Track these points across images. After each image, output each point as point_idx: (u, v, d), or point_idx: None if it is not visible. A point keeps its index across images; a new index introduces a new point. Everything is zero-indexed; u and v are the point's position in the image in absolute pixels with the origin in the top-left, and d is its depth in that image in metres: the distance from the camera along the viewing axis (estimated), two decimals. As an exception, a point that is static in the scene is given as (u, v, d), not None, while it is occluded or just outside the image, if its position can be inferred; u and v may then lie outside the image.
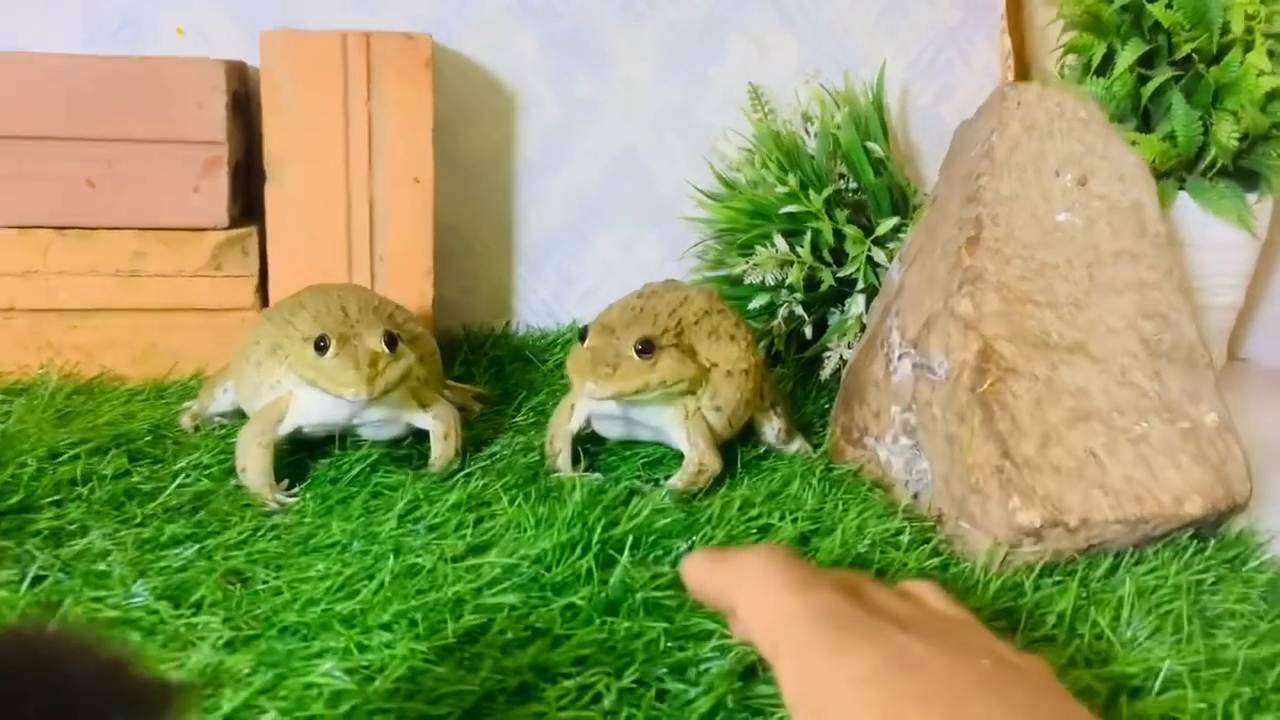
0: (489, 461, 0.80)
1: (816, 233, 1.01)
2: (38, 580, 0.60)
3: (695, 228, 1.13)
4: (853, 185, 1.06)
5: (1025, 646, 0.57)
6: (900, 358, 0.78)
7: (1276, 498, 0.79)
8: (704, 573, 0.51)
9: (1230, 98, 0.94)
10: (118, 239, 0.92)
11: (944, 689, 0.40)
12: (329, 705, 0.49)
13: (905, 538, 0.69)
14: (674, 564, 0.63)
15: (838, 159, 1.06)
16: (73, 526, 0.66)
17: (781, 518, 0.71)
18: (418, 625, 0.56)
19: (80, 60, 0.90)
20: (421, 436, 0.80)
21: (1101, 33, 1.01)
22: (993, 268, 0.72)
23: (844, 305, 1.03)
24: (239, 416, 0.82)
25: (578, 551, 0.64)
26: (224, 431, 0.82)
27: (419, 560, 0.63)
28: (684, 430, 0.76)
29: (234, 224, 0.95)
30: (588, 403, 0.78)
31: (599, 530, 0.65)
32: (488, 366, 1.02)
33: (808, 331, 1.02)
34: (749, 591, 0.48)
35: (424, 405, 0.79)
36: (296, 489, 0.75)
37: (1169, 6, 0.95)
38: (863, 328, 0.97)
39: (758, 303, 1.02)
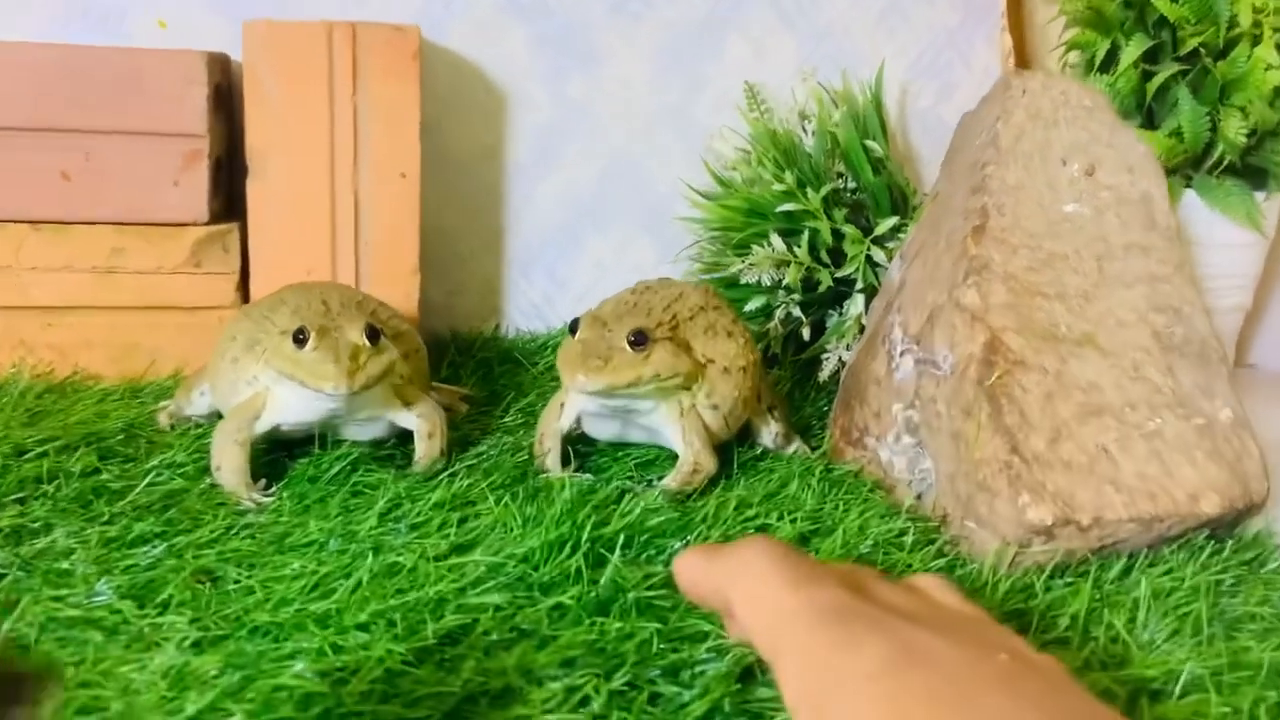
0: (475, 461, 0.77)
1: (814, 232, 0.98)
2: (-5, 579, 0.57)
3: (690, 228, 1.10)
4: (851, 185, 1.04)
5: (1038, 649, 0.54)
6: (902, 354, 0.75)
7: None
8: (697, 571, 0.48)
9: (1238, 93, 0.92)
10: (94, 234, 0.89)
11: (958, 684, 0.37)
12: (299, 708, 0.46)
13: (909, 538, 0.66)
14: (667, 563, 0.60)
15: (836, 158, 1.04)
16: (36, 524, 0.63)
17: (780, 518, 0.68)
18: (396, 625, 0.53)
19: (57, 50, 0.87)
20: (405, 438, 0.77)
21: (1104, 29, 0.99)
22: (999, 258, 0.70)
23: (842, 307, 1.00)
24: (217, 418, 0.79)
25: (566, 550, 0.61)
26: (200, 430, 0.79)
27: (399, 559, 0.60)
28: (679, 428, 0.73)
29: (215, 219, 0.92)
30: (578, 400, 0.75)
31: (589, 529, 0.62)
32: (475, 369, 0.99)
33: (805, 333, 1.00)
34: (745, 588, 0.45)
35: (408, 404, 0.76)
36: (273, 488, 0.71)
37: (1174, 1, 0.93)
38: (862, 329, 0.94)
39: (754, 304, 0.99)
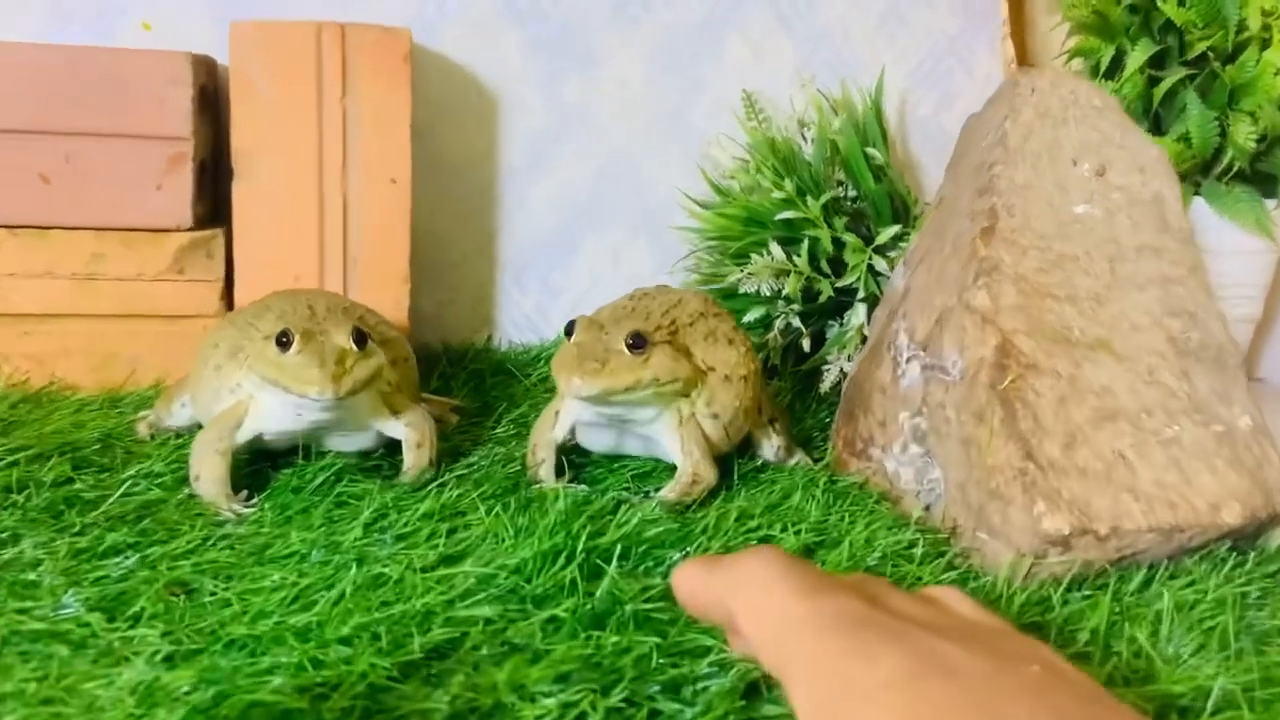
0: (465, 472, 0.74)
1: (814, 241, 0.96)
2: (-44, 591, 0.54)
3: (687, 237, 1.08)
4: (851, 193, 1.02)
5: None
6: (909, 361, 0.73)
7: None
8: (697, 582, 0.45)
9: (1247, 98, 0.90)
10: (74, 239, 0.87)
11: (979, 694, 0.34)
12: (275, 726, 0.43)
13: (919, 550, 0.63)
14: (666, 575, 0.58)
15: (835, 165, 1.02)
16: (2, 535, 0.60)
17: (783, 529, 0.65)
18: (381, 639, 0.50)
19: (37, 49, 0.85)
20: (393, 449, 0.74)
21: (1109, 34, 0.97)
22: (1009, 259, 0.67)
23: (843, 317, 0.98)
24: (199, 430, 0.76)
25: (561, 561, 0.58)
26: (180, 441, 0.76)
27: (385, 570, 0.57)
28: (677, 437, 0.71)
29: (199, 225, 0.89)
30: (573, 409, 0.72)
31: (584, 539, 0.59)
32: (466, 380, 0.97)
33: (805, 344, 0.97)
34: (749, 598, 0.42)
35: (396, 412, 0.73)
36: (254, 499, 0.69)
37: (1181, 4, 0.92)
38: (864, 339, 0.92)
39: (753, 315, 0.96)
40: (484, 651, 0.51)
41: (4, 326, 0.87)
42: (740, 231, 1.00)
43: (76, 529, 0.61)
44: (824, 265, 0.97)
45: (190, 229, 0.88)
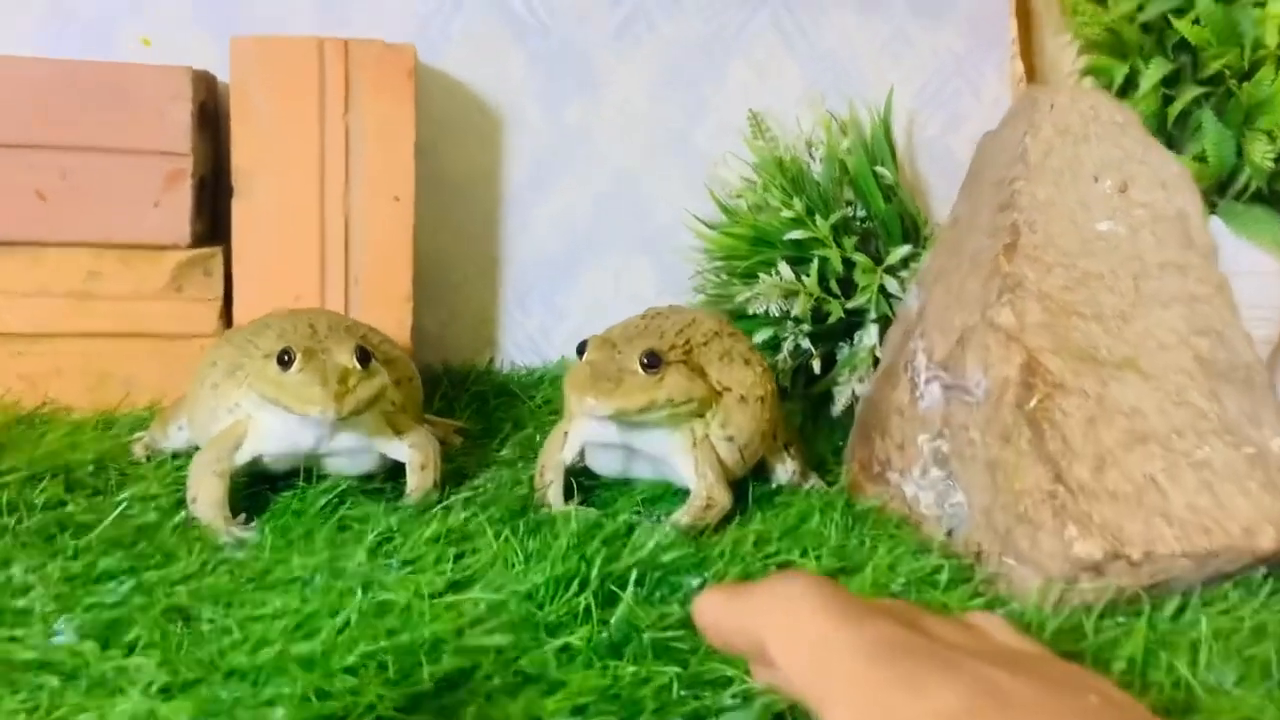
0: (471, 494, 0.72)
1: (824, 261, 0.94)
2: (-58, 618, 0.51)
3: (693, 257, 1.06)
4: (860, 213, 1.00)
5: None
6: (928, 382, 0.71)
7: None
8: (722, 609, 0.43)
9: (1264, 116, 0.89)
10: (70, 257, 0.84)
11: (1041, 728, 0.32)
12: (278, 761, 0.41)
13: (944, 576, 0.61)
14: (684, 602, 0.55)
15: (844, 185, 1.00)
16: (-8, 559, 0.57)
17: (803, 554, 0.63)
18: (388, 669, 0.48)
19: (32, 63, 0.83)
20: (396, 472, 0.72)
21: (1122, 53, 0.96)
22: (1033, 276, 0.66)
23: (853, 338, 0.96)
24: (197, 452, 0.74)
25: (574, 587, 0.56)
26: (177, 462, 0.74)
27: (391, 597, 0.54)
28: (691, 459, 0.68)
29: (197, 242, 0.87)
30: (583, 430, 0.70)
31: (598, 564, 0.57)
32: (469, 402, 0.94)
33: (815, 366, 0.95)
34: (783, 625, 0.39)
35: (399, 433, 0.71)
36: (254, 522, 0.66)
37: (1196, 22, 0.90)
38: (876, 361, 0.90)
39: (761, 336, 0.94)
40: (496, 682, 0.48)
41: (-4, 346, 0.85)
42: (748, 251, 0.98)
43: (69, 553, 0.59)
44: (833, 286, 0.95)
45: (189, 246, 0.86)
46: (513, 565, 0.59)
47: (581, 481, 0.74)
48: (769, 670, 0.41)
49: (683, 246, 1.07)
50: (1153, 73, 0.92)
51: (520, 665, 0.50)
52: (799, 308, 0.93)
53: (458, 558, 0.60)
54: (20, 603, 0.53)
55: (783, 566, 0.61)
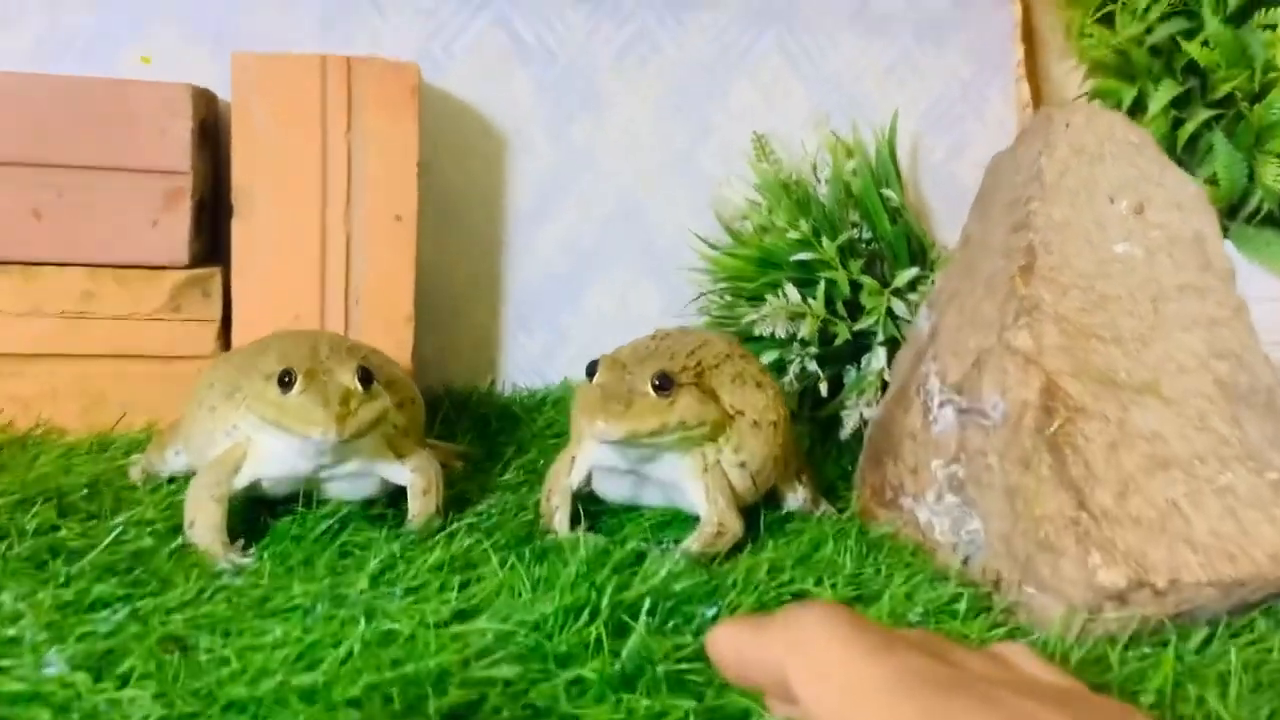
0: (475, 520, 0.70)
1: (831, 283, 0.93)
2: (-70, 647, 0.49)
3: (697, 279, 1.05)
4: (866, 235, 0.99)
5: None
6: (942, 405, 0.69)
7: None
8: (740, 641, 0.41)
9: (1275, 139, 0.88)
10: (65, 276, 0.83)
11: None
12: (280, 799, 0.39)
13: (962, 605, 0.59)
14: (698, 633, 0.54)
15: (850, 207, 0.99)
16: (-19, 586, 0.56)
17: (818, 582, 0.61)
18: (393, 701, 0.46)
19: (29, 79, 0.82)
20: (397, 497, 0.70)
21: (1130, 75, 0.96)
22: (1050, 298, 0.64)
23: (861, 361, 0.95)
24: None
25: (584, 617, 0.54)
26: (174, 486, 0.72)
27: (395, 626, 0.53)
28: (702, 485, 0.67)
29: (195, 262, 0.86)
30: (591, 454, 0.69)
31: (609, 593, 0.55)
32: (471, 425, 0.93)
33: (822, 389, 0.94)
34: (809, 657, 0.38)
35: (401, 457, 0.69)
36: (252, 548, 0.64)
37: (1205, 45, 0.90)
38: (884, 385, 0.88)
39: (767, 358, 0.93)
40: (505, 715, 0.47)
41: (-12, 367, 0.83)
42: (754, 273, 0.97)
43: (61, 580, 0.57)
44: (840, 308, 0.94)
45: (186, 266, 0.85)
46: (520, 594, 0.57)
47: (587, 508, 0.72)
48: (788, 706, 0.40)
49: (687, 268, 1.06)
50: (1162, 95, 0.92)
51: (530, 698, 0.48)
52: (806, 330, 0.92)
53: (463, 586, 0.59)
54: (10, 631, 0.51)
55: (797, 596, 0.60)
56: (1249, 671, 0.54)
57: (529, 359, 1.07)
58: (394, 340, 0.88)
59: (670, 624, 0.55)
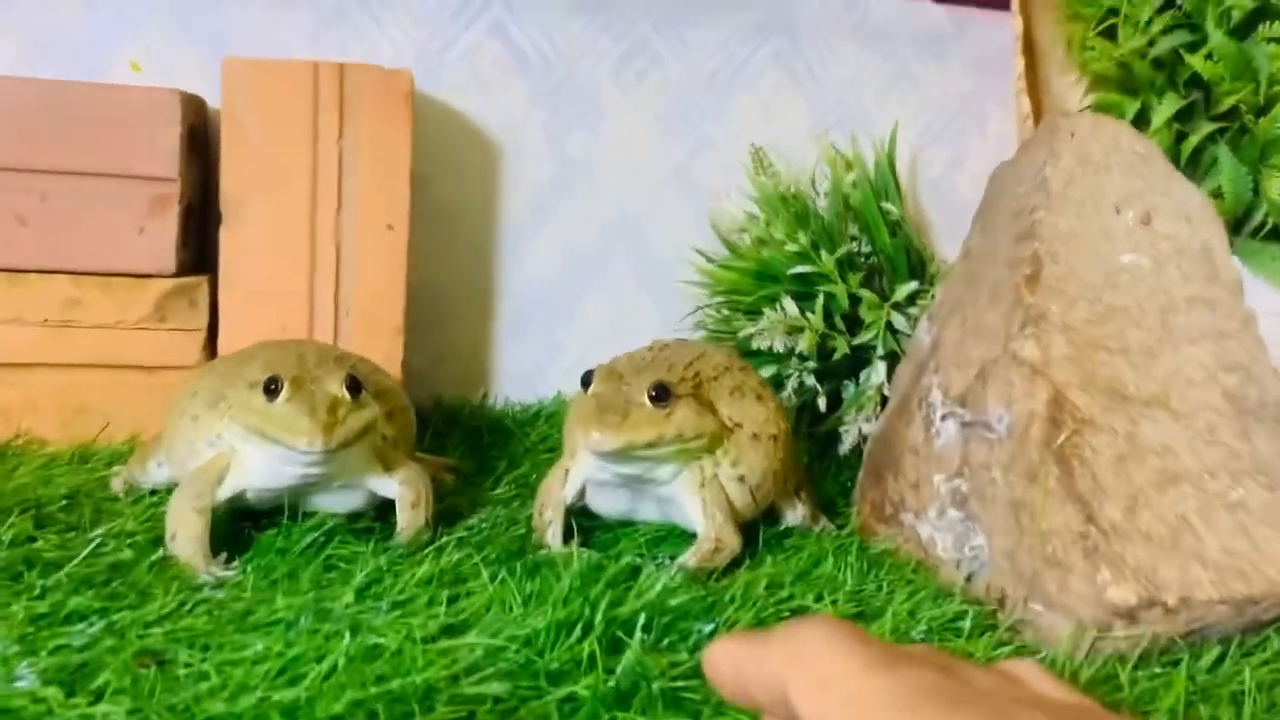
0: (465, 535, 0.68)
1: (829, 297, 0.92)
2: (-104, 661, 0.48)
3: (694, 292, 1.03)
4: (865, 248, 0.98)
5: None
6: (944, 418, 0.68)
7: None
8: (738, 657, 0.39)
9: (1279, 153, 0.87)
10: (49, 284, 0.81)
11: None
12: (257, 820, 0.37)
13: (967, 623, 0.58)
14: (694, 650, 0.52)
15: (849, 220, 0.98)
16: (-48, 598, 0.54)
17: (818, 599, 0.60)
18: (378, 717, 0.44)
19: (15, 83, 0.80)
20: (385, 510, 0.68)
21: (1132, 89, 0.95)
22: (1057, 308, 0.63)
23: (860, 376, 0.93)
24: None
25: (577, 633, 0.52)
26: (156, 498, 0.70)
27: (381, 641, 0.51)
28: (699, 500, 0.65)
29: (182, 271, 0.84)
30: (585, 467, 0.67)
31: (603, 608, 0.53)
32: (462, 439, 0.91)
33: (821, 404, 0.92)
34: (811, 672, 0.36)
35: (389, 469, 0.68)
36: (235, 561, 0.63)
37: (1209, 58, 0.89)
38: (884, 399, 0.87)
39: (765, 373, 0.91)
40: (495, 734, 0.45)
41: (-32, 376, 0.81)
42: (751, 286, 0.95)
43: (36, 592, 0.55)
44: (839, 322, 0.92)
45: (173, 275, 0.83)
46: (510, 609, 0.55)
47: (581, 523, 0.71)
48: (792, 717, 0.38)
49: (686, 280, 1.04)
50: (1165, 108, 0.90)
51: (520, 716, 0.46)
52: (804, 344, 0.90)
53: (451, 600, 0.57)
54: (-20, 645, 0.49)
55: (797, 612, 0.58)
56: (1263, 691, 0.52)
57: (522, 372, 1.05)
58: (383, 351, 0.86)
59: (666, 641, 0.54)
